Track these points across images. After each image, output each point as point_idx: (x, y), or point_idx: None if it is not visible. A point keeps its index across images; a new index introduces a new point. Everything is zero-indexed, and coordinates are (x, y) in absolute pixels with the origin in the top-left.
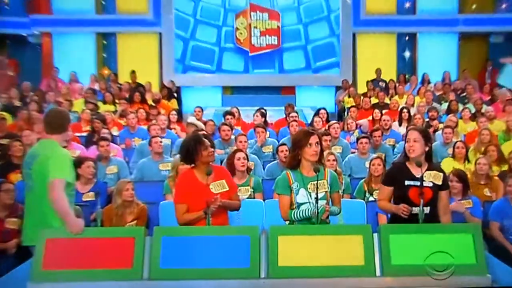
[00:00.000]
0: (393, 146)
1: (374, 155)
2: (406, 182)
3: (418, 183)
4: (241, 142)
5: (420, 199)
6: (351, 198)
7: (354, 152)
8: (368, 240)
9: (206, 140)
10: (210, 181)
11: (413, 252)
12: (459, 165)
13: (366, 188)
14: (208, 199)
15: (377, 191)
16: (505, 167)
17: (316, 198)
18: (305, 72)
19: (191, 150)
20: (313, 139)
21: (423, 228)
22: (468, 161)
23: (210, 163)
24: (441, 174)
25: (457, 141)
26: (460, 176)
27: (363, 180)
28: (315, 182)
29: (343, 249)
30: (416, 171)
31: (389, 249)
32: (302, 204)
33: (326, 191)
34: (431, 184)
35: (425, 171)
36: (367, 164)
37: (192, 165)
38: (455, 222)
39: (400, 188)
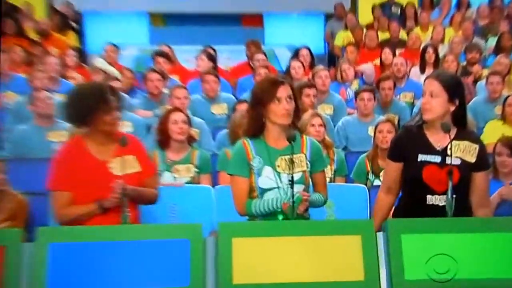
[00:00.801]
0: (411, 104)
1: (382, 118)
2: (420, 157)
3: (438, 159)
4: (178, 98)
5: (449, 180)
6: (346, 181)
7: (352, 113)
8: (370, 243)
9: (111, 97)
10: (111, 156)
11: (437, 261)
12: (511, 130)
13: (369, 167)
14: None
15: None
16: None
17: (291, 182)
18: None
19: (85, 106)
20: (283, 91)
21: (452, 225)
22: None
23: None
24: (476, 146)
25: (509, 96)
26: None
27: (364, 155)
28: (288, 157)
29: (332, 256)
30: (436, 141)
31: (401, 256)
32: (267, 190)
33: (304, 171)
34: (458, 162)
35: (451, 140)
36: (371, 131)
37: (85, 130)
38: (501, 216)
39: (411, 165)
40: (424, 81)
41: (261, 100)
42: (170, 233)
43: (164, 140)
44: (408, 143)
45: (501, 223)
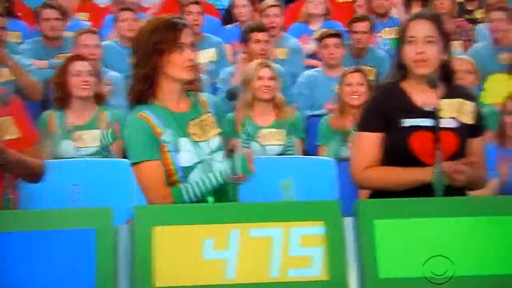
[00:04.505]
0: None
1: (349, 68)
2: (405, 122)
3: (428, 123)
4: (87, 46)
5: (435, 150)
6: (303, 146)
7: (314, 66)
8: (335, 231)
9: None
10: None
11: (423, 255)
12: None
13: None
14: None
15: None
16: None
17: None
18: None
19: None
20: (187, 37)
21: (441, 207)
22: None
23: None
24: (472, 104)
25: None
26: None
27: (327, 116)
28: (198, 121)
29: (287, 248)
30: (422, 100)
31: (374, 248)
32: (191, 169)
33: (220, 133)
34: (455, 124)
35: (441, 99)
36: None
37: None
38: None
39: (393, 133)
40: (409, 22)
41: (160, 49)
42: (68, 219)
43: (62, 98)
44: (388, 105)
45: (503, 204)
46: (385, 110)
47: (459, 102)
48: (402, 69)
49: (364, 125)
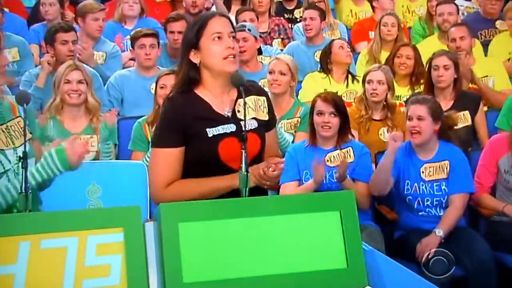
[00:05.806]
0: None
1: (164, 70)
2: (210, 132)
3: (232, 128)
4: None
5: (242, 150)
6: (118, 151)
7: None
8: (135, 237)
9: None
10: None
11: (228, 255)
12: (336, 84)
13: (149, 135)
14: None
15: None
16: (419, 88)
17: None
18: None
19: None
20: None
21: (248, 205)
22: (354, 78)
23: None
24: (263, 98)
25: (334, 40)
26: (338, 104)
27: (142, 119)
28: (4, 127)
29: (82, 259)
30: (221, 105)
31: (178, 252)
32: None
33: (30, 139)
34: (255, 124)
35: (238, 99)
36: (153, 89)
37: None
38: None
39: (200, 146)
40: (208, 20)
41: None
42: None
43: None
44: (185, 117)
45: (306, 202)
46: (183, 123)
47: (253, 99)
48: (194, 73)
49: (160, 141)
